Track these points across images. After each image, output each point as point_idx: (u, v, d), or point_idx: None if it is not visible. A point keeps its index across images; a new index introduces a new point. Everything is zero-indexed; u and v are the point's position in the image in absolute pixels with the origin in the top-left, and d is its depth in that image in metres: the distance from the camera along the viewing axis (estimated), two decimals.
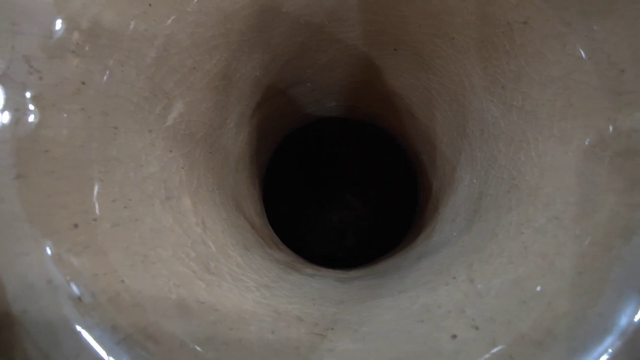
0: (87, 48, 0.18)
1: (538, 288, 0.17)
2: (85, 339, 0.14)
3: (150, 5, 0.20)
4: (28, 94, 0.16)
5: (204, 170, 0.26)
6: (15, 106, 0.16)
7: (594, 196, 0.18)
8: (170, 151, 0.23)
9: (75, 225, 0.17)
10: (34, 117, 0.16)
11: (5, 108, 0.16)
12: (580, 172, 0.19)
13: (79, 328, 0.14)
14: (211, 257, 0.21)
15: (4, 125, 0.16)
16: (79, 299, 0.14)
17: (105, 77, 0.19)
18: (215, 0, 0.22)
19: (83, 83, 0.18)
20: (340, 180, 0.58)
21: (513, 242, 0.20)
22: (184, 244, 0.20)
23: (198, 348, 0.15)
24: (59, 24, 0.17)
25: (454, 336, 0.17)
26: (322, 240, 0.57)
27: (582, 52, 0.19)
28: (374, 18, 0.28)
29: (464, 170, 0.30)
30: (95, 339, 0.14)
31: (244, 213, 0.33)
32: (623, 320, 0.16)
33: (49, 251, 0.16)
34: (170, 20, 0.21)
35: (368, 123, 0.50)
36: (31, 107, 0.16)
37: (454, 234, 0.27)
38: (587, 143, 0.19)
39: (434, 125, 0.37)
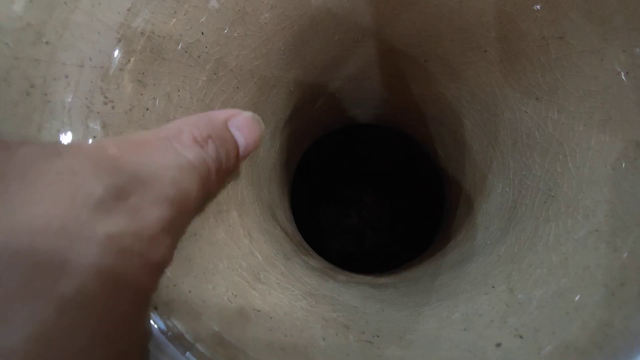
0: (150, 77, 0.19)
1: (580, 299, 0.18)
2: (162, 344, 0.15)
3: (202, 33, 0.21)
4: (100, 123, 0.18)
5: (245, 184, 0.28)
6: (94, 135, 0.18)
7: (634, 209, 0.19)
8: None
9: None
10: None
11: (85, 132, 0.18)
12: (620, 185, 0.20)
13: (156, 334, 0.15)
14: (260, 268, 0.22)
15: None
16: (155, 307, 0.16)
17: (165, 102, 0.20)
18: (259, 24, 0.24)
19: (147, 109, 0.19)
20: (365, 185, 0.59)
21: (553, 253, 0.20)
22: (236, 255, 0.21)
23: (259, 354, 0.17)
24: (123, 55, 0.19)
25: (499, 344, 0.18)
26: (340, 243, 0.58)
27: (620, 67, 0.20)
28: (406, 32, 0.29)
29: (496, 179, 0.31)
30: (171, 342, 0.15)
31: (279, 221, 0.34)
32: None
33: None
34: (219, 47, 0.22)
35: (393, 129, 0.50)
36: (104, 134, 0.18)
37: (488, 242, 0.28)
38: (626, 156, 0.20)
39: (463, 132, 0.37)
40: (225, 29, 0.22)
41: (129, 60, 0.19)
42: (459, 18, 0.26)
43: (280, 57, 0.27)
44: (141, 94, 0.19)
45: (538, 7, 0.22)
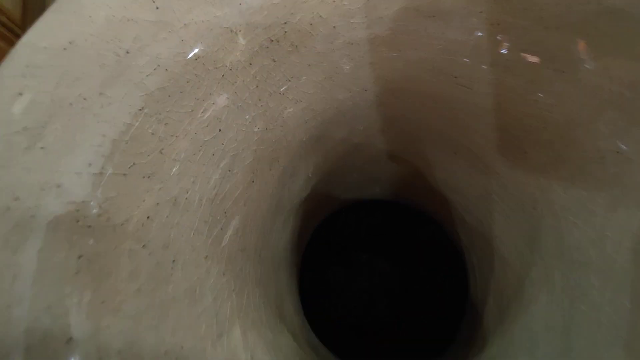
0: (156, 180, 0.17)
1: None
2: None
3: (220, 130, 0.19)
4: (91, 241, 0.15)
5: (252, 286, 0.24)
6: (80, 252, 0.15)
7: None
8: (223, 274, 0.21)
9: None
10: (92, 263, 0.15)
11: (70, 251, 0.15)
12: None
13: None
14: None
15: (69, 272, 0.14)
16: None
17: (169, 208, 0.18)
18: (282, 118, 0.22)
19: (148, 217, 0.17)
20: (380, 264, 0.55)
21: None
22: None
23: None
24: (128, 158, 0.17)
25: None
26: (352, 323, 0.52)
27: None
28: (437, 127, 0.27)
29: (537, 289, 0.27)
30: None
31: (286, 321, 0.30)
32: None
33: None
34: (237, 143, 0.20)
35: (412, 208, 0.48)
36: (89, 253, 0.15)
37: None
38: None
39: (491, 225, 0.34)
40: (246, 125, 0.20)
41: (134, 164, 0.17)
42: (496, 119, 0.24)
43: (301, 148, 0.25)
44: (143, 200, 0.17)
45: (587, 116, 0.20)
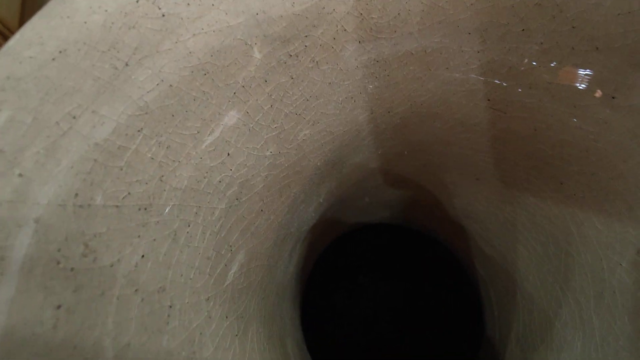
0: (154, 213, 0.15)
1: None
2: None
3: (228, 154, 0.17)
4: (73, 287, 0.12)
5: (256, 327, 0.21)
6: (59, 302, 0.12)
7: None
8: (226, 317, 0.18)
9: None
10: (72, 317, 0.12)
11: (47, 300, 0.12)
12: None
13: None
14: None
15: (45, 326, 0.12)
16: None
17: (168, 244, 0.15)
18: (296, 141, 0.20)
19: (143, 256, 0.14)
20: (390, 296, 0.51)
21: None
22: None
23: None
24: (123, 186, 0.14)
25: None
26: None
27: None
28: (460, 152, 0.25)
29: (571, 333, 0.25)
30: None
31: (289, 358, 0.27)
32: None
33: None
34: (246, 168, 0.18)
35: (424, 234, 0.45)
36: (71, 302, 0.12)
37: None
38: None
39: (515, 258, 0.32)
40: (257, 148, 0.18)
41: (129, 193, 0.14)
42: (531, 146, 0.22)
43: (315, 173, 0.23)
44: (138, 236, 0.14)
45: None
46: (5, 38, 0.42)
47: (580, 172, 0.21)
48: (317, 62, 0.18)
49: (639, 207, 0.19)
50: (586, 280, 0.23)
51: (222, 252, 0.18)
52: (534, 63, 0.19)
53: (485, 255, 0.35)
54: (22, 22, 0.45)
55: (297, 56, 0.17)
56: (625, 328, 0.20)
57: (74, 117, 0.13)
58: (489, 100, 0.20)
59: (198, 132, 0.16)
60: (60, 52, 0.13)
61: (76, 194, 0.13)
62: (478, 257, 0.37)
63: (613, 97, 0.18)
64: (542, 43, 0.18)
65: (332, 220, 0.35)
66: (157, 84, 0.15)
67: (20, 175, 0.12)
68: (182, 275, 0.16)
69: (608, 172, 0.19)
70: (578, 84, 0.18)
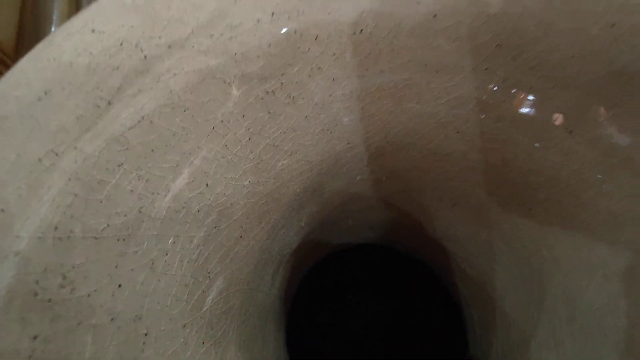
0: (132, 243, 0.15)
1: None
2: None
3: (207, 185, 0.18)
4: (50, 318, 0.13)
5: (234, 350, 0.22)
6: (35, 332, 0.13)
7: None
8: (203, 343, 0.19)
9: None
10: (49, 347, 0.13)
11: (24, 331, 0.13)
12: None
13: None
14: None
15: (21, 357, 0.12)
16: None
17: (145, 273, 0.16)
18: (275, 170, 0.20)
19: (120, 286, 0.15)
20: (370, 315, 0.52)
21: None
22: None
23: None
24: (103, 218, 0.15)
25: None
26: None
27: None
28: (436, 177, 0.26)
29: (544, 352, 0.25)
30: None
31: None
32: None
33: None
34: (225, 197, 0.19)
35: (408, 254, 0.46)
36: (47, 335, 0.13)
37: None
38: None
39: (493, 279, 0.32)
40: (235, 178, 0.19)
41: (108, 225, 0.15)
42: (501, 174, 0.23)
43: (294, 200, 0.24)
44: (116, 266, 0.15)
45: (600, 177, 0.19)
46: (2, 62, 0.43)
47: (547, 199, 0.22)
48: (293, 97, 0.19)
49: (602, 233, 0.20)
50: (558, 302, 0.24)
51: (200, 279, 0.18)
52: (499, 98, 0.20)
53: (467, 275, 0.36)
54: (18, 46, 0.46)
55: (274, 93, 0.18)
56: (596, 350, 0.21)
57: (57, 154, 0.14)
58: (458, 132, 0.21)
59: (177, 165, 0.17)
60: (45, 92, 0.14)
61: (56, 227, 0.14)
62: (460, 277, 0.37)
63: (571, 131, 0.19)
64: (505, 80, 0.19)
65: (315, 242, 0.36)
66: (139, 121, 0.15)
67: (2, 210, 0.13)
68: (158, 302, 0.16)
69: (572, 200, 0.20)
70: (540, 118, 0.20)
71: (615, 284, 0.19)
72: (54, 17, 0.49)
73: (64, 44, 0.15)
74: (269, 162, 0.20)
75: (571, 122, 0.19)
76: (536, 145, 0.21)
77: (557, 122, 0.19)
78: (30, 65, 0.14)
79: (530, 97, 0.19)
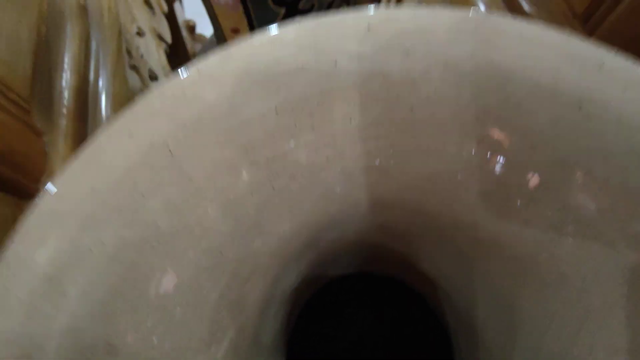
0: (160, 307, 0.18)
1: None
2: None
3: (221, 253, 0.21)
4: None
5: None
6: None
7: None
8: None
9: None
10: None
11: None
12: None
13: None
14: None
15: None
16: None
17: (164, 325, 0.19)
18: (278, 233, 0.24)
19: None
20: (362, 342, 0.54)
21: None
22: None
23: None
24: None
25: None
26: None
27: None
28: (424, 230, 0.29)
29: None
30: None
31: None
32: None
33: None
34: (236, 261, 0.22)
35: (401, 283, 0.49)
36: None
37: None
38: None
39: (474, 308, 0.36)
40: (245, 244, 0.22)
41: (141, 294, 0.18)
42: (473, 234, 0.26)
43: (294, 252, 0.27)
44: (150, 324, 0.18)
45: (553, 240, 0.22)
46: (19, 106, 0.45)
47: (512, 257, 0.25)
48: (294, 175, 0.22)
49: (553, 291, 0.23)
50: (528, 345, 0.27)
51: (217, 334, 0.22)
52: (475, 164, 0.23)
53: (453, 306, 0.39)
54: (32, 90, 0.49)
55: (278, 174, 0.21)
56: None
57: (104, 243, 0.17)
58: (442, 199, 0.25)
59: (199, 242, 0.20)
60: (92, 189, 0.18)
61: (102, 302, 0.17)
62: (448, 308, 0.41)
63: (527, 204, 0.22)
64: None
65: (313, 278, 0.39)
66: (165, 208, 0.19)
67: (63, 295, 0.16)
68: (182, 354, 0.19)
69: (529, 260, 0.24)
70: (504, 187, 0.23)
71: (566, 337, 0.23)
72: (66, 61, 0.53)
73: (107, 147, 0.18)
74: (273, 227, 0.23)
75: (521, 197, 0.23)
76: (501, 212, 0.24)
77: (516, 192, 0.23)
78: (79, 167, 0.18)
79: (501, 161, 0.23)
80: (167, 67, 0.81)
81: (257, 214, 0.22)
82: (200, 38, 1.23)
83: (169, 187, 0.19)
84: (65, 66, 0.52)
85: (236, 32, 0.43)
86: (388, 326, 0.52)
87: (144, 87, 0.69)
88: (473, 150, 0.23)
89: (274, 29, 0.21)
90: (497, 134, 0.22)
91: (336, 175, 0.23)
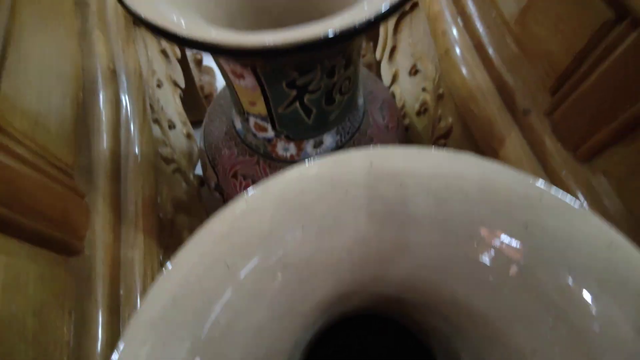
0: None
1: None
2: None
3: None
4: None
5: None
6: None
7: None
8: None
9: None
10: None
11: None
12: None
13: None
14: None
15: None
16: None
17: None
18: (299, 312, 0.30)
19: None
20: None
21: None
22: None
23: None
24: None
25: None
26: None
27: None
28: (418, 303, 0.36)
29: None
30: None
31: None
32: None
33: None
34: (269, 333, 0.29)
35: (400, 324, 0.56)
36: None
37: None
38: None
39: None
40: (276, 328, 0.29)
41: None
42: (457, 310, 0.33)
43: (309, 321, 0.33)
44: None
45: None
46: (64, 172, 0.51)
47: (485, 323, 0.32)
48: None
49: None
50: None
51: None
52: None
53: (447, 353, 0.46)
54: (75, 157, 0.55)
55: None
56: None
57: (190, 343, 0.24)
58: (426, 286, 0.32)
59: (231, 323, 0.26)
60: (173, 298, 0.24)
61: None
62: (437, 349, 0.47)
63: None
64: None
65: (321, 327, 0.46)
66: (223, 310, 0.25)
67: None
68: None
69: (493, 333, 0.31)
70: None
71: None
72: (103, 127, 0.59)
73: (174, 276, 0.25)
74: (294, 309, 0.30)
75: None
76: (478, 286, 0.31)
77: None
78: (161, 286, 0.24)
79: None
80: (183, 114, 0.88)
81: (288, 303, 0.29)
82: (207, 70, 1.30)
83: (227, 290, 0.26)
84: (102, 130, 0.59)
85: (253, 104, 0.50)
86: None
87: (163, 137, 0.75)
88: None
89: (301, 166, 0.28)
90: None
91: (346, 269, 0.30)
